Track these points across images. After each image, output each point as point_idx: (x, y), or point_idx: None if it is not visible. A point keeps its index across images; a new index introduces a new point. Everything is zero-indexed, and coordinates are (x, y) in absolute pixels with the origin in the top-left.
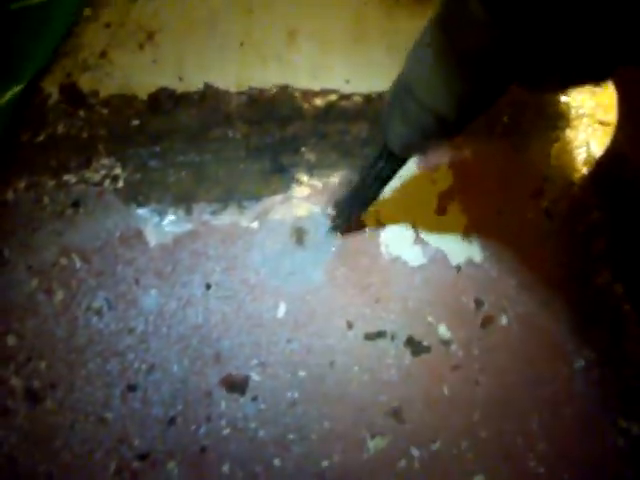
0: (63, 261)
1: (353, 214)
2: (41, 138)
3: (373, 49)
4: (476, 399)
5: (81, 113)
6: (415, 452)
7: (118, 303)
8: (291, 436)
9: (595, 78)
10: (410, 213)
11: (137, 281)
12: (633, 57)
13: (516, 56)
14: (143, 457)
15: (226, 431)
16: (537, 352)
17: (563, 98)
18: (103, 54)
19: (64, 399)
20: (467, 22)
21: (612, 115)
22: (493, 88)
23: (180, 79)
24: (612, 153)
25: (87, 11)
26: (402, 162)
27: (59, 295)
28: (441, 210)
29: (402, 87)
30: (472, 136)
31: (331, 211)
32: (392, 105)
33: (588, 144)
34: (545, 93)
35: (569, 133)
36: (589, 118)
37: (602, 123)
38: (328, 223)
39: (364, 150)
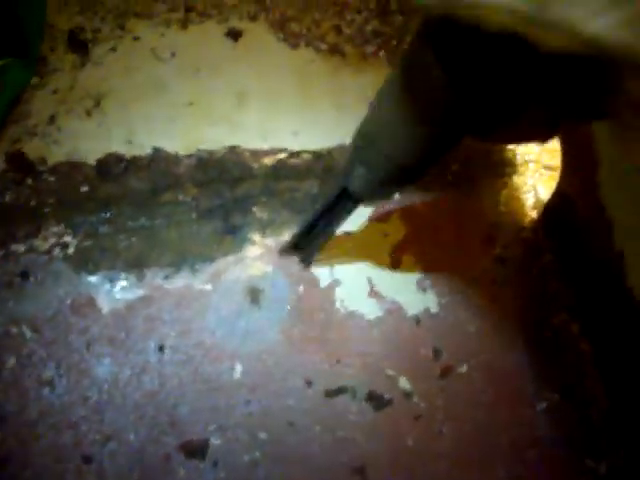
0: (13, 332)
1: (307, 251)
2: None
3: (321, 106)
4: (441, 450)
5: (29, 181)
6: None
7: (70, 373)
8: None
9: (539, 138)
10: (363, 266)
11: (90, 349)
12: (573, 115)
13: (470, 111)
14: None
15: None
16: (498, 398)
17: (509, 145)
18: (51, 121)
19: (17, 476)
20: (426, 80)
21: (557, 159)
22: (450, 138)
23: (129, 144)
24: (559, 197)
25: (35, 79)
26: (358, 204)
27: (8, 366)
28: (395, 262)
29: (364, 136)
30: (422, 185)
31: (283, 249)
32: (355, 152)
33: (535, 189)
34: (495, 145)
35: (516, 179)
36: (535, 164)
37: (548, 168)
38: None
39: (315, 206)
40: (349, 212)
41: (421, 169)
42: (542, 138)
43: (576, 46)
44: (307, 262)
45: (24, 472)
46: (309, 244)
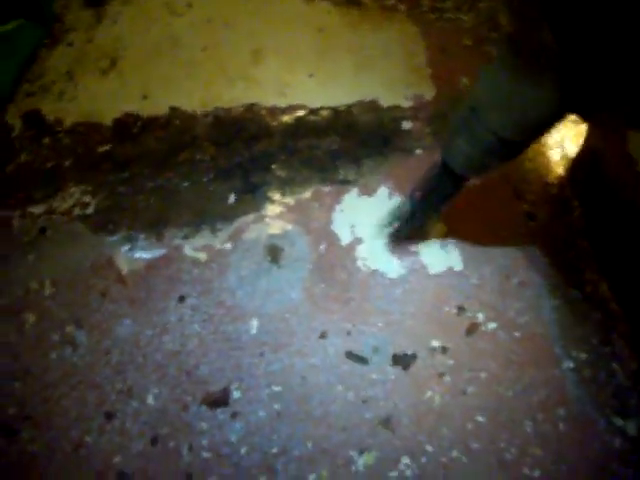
0: (33, 294)
1: (415, 225)
2: (10, 168)
3: (339, 62)
4: (466, 408)
5: (46, 141)
6: (407, 461)
7: (92, 334)
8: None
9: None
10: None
11: (110, 310)
12: None
13: (577, 78)
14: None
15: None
16: (525, 356)
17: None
18: (68, 78)
19: (39, 435)
20: (540, 54)
21: None
22: (555, 115)
23: (146, 103)
24: (587, 151)
25: (51, 38)
26: (461, 181)
27: (29, 324)
28: None
29: (469, 109)
30: None
31: (396, 222)
32: (457, 125)
33: (562, 144)
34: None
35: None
36: None
37: (576, 122)
38: (392, 230)
39: (336, 163)
40: (454, 188)
41: (522, 144)
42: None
43: None
44: (421, 235)
45: (48, 432)
46: (419, 223)
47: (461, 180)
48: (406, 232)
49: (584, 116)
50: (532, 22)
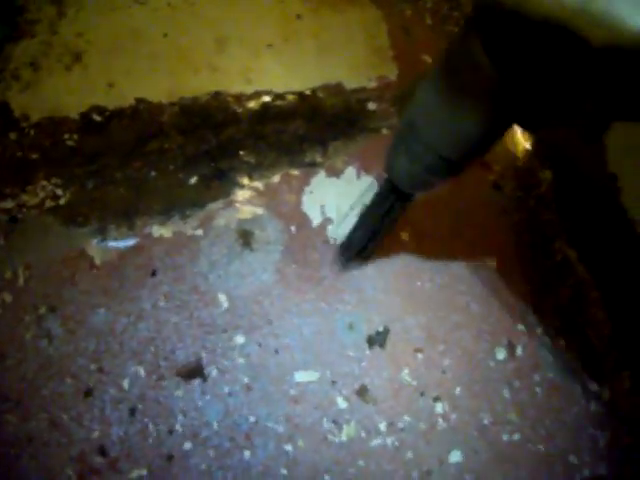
0: (7, 291)
1: (363, 249)
2: None
3: (303, 48)
4: (441, 380)
5: (12, 137)
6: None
7: (67, 325)
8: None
9: (586, 137)
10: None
11: (84, 301)
12: (624, 115)
13: (516, 102)
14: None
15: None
16: (499, 327)
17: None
18: (33, 69)
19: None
20: (472, 69)
21: None
22: (493, 130)
23: (111, 95)
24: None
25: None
26: (407, 198)
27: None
28: None
29: (407, 127)
30: None
31: (340, 247)
32: (397, 143)
33: None
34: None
35: None
36: None
37: None
38: (338, 255)
39: (303, 146)
40: (399, 207)
41: (464, 161)
42: (589, 137)
43: (623, 42)
44: (366, 258)
45: (24, 411)
46: (365, 243)
47: (407, 197)
48: (350, 256)
49: (526, 128)
50: (467, 36)
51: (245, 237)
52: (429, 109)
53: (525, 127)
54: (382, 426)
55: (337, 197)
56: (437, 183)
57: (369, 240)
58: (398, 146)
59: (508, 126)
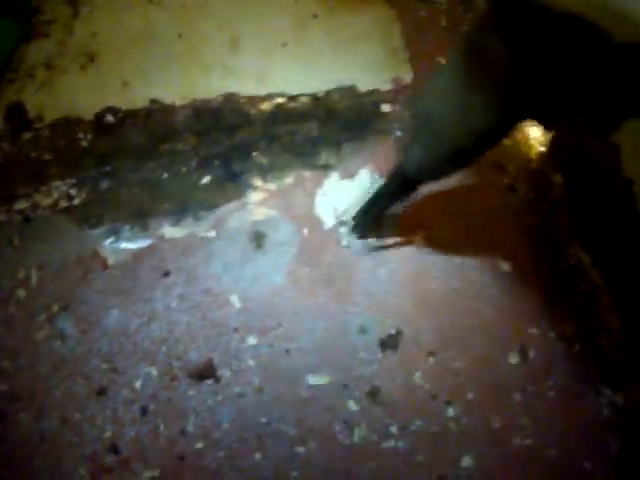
0: (20, 290)
1: (368, 224)
2: None
3: (317, 48)
4: (454, 384)
5: (26, 136)
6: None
7: (80, 325)
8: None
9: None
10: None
11: (98, 301)
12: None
13: (531, 95)
14: None
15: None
16: (511, 331)
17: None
18: (47, 74)
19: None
20: (489, 61)
21: None
22: (506, 123)
23: (125, 97)
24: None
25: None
26: (415, 184)
27: (18, 324)
28: None
29: (421, 117)
30: None
31: (351, 221)
32: (411, 132)
33: None
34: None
35: None
36: None
37: None
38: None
39: (316, 148)
40: (409, 192)
41: (478, 151)
42: (600, 134)
43: None
44: (364, 237)
45: (37, 411)
46: (369, 222)
47: (415, 184)
48: (361, 229)
49: (539, 122)
50: (484, 26)
51: (258, 239)
52: (444, 99)
53: (537, 118)
54: (394, 429)
55: (350, 199)
56: (447, 173)
57: (373, 217)
58: (411, 135)
59: (521, 117)
